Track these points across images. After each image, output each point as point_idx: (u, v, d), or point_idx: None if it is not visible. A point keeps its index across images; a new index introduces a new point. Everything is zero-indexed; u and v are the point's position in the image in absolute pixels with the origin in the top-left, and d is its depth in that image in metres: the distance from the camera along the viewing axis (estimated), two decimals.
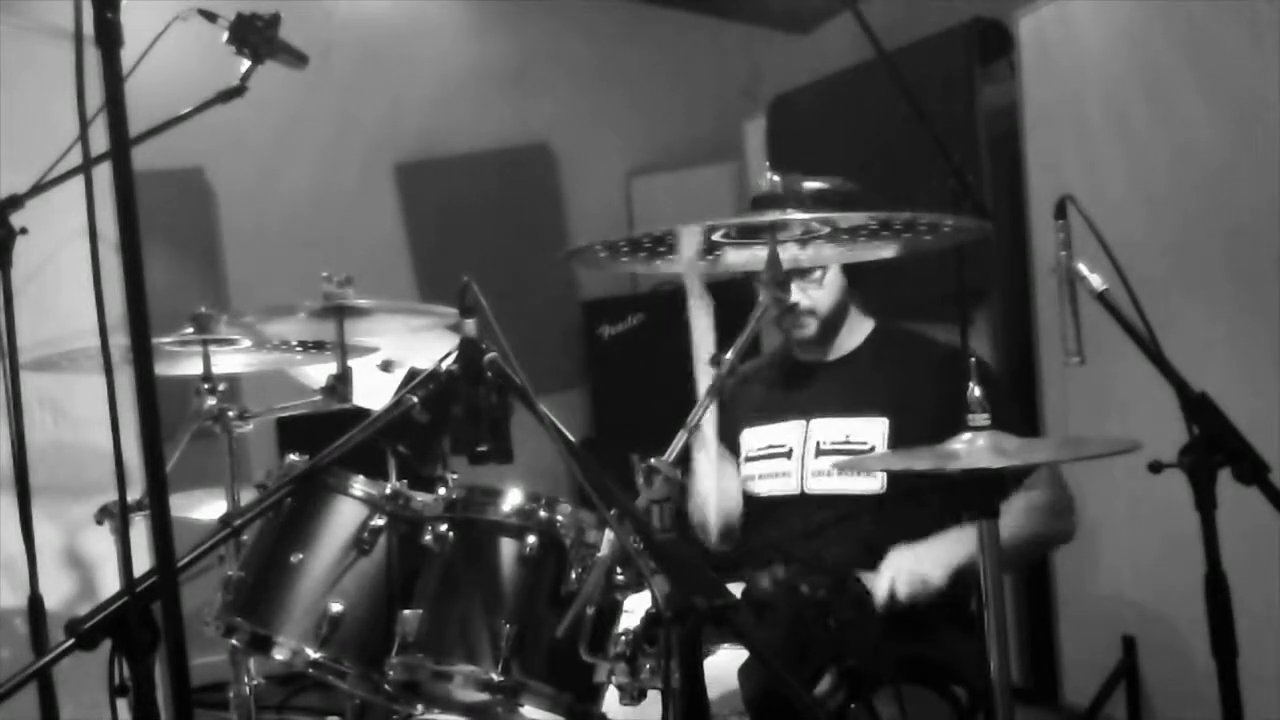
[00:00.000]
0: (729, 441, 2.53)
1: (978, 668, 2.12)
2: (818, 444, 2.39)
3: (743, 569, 2.42)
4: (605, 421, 5.40)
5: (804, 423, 2.42)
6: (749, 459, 2.49)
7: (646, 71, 5.69)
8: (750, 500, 2.48)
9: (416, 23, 5.44)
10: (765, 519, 2.45)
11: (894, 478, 2.30)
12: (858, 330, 2.49)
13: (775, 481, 2.43)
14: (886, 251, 1.88)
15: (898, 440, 2.32)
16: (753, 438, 2.49)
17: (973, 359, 1.81)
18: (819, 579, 1.92)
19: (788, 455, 2.42)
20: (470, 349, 1.79)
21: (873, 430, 2.35)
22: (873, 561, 2.21)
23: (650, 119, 5.70)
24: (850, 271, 2.43)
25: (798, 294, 2.39)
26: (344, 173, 5.25)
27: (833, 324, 2.46)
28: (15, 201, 2.34)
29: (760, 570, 1.99)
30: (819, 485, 2.37)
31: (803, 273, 2.39)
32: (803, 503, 2.39)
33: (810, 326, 2.44)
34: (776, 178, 2.34)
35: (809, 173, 2.40)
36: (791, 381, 2.52)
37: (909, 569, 2.14)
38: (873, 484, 2.32)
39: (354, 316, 2.32)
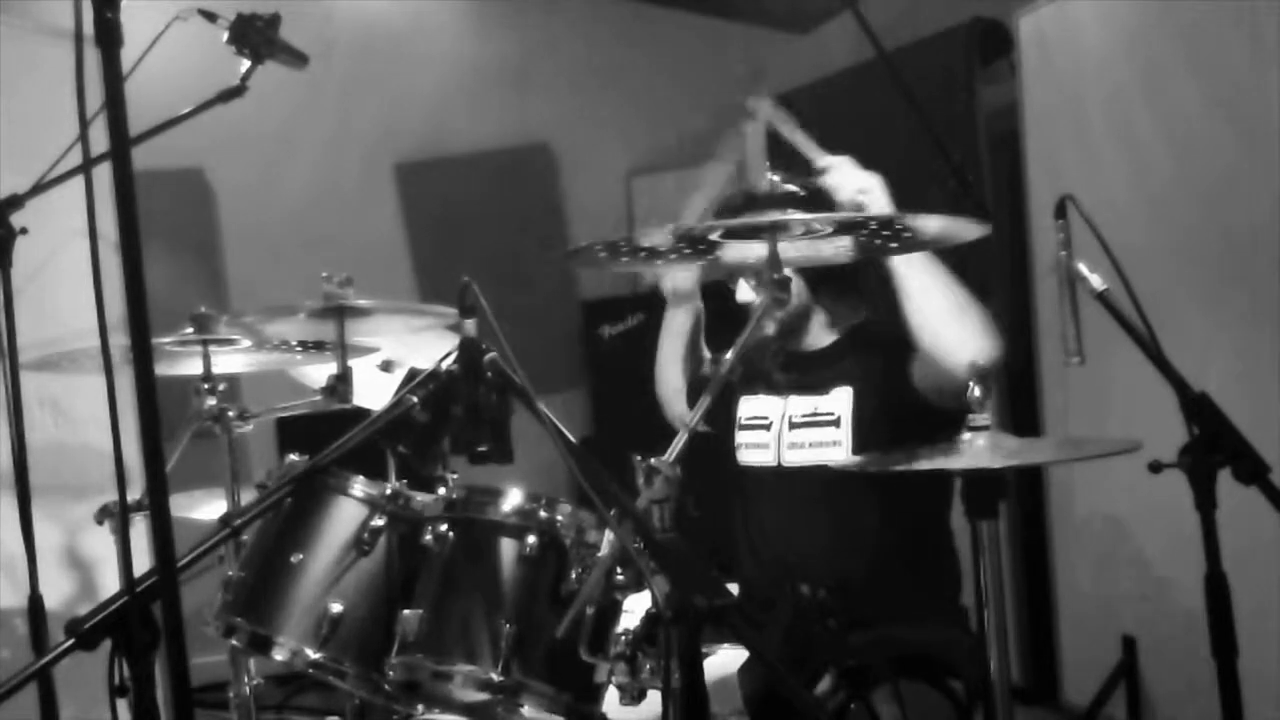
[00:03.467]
0: (727, 416, 2.55)
1: (972, 660, 2.14)
2: (790, 418, 2.42)
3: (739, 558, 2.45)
4: (605, 421, 5.40)
5: (783, 399, 2.46)
6: (740, 427, 2.53)
7: (647, 71, 5.69)
8: (738, 470, 2.52)
9: (416, 23, 5.44)
10: (748, 491, 2.49)
11: (861, 443, 2.31)
12: (831, 329, 2.49)
13: (756, 453, 2.47)
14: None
15: (860, 409, 2.34)
16: (745, 407, 2.54)
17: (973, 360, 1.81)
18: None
19: (767, 428, 2.46)
20: (470, 349, 1.79)
21: (838, 401, 2.37)
22: (844, 531, 2.23)
23: (650, 119, 5.69)
24: (818, 277, 2.42)
25: (750, 293, 2.41)
26: (344, 173, 5.26)
27: (792, 325, 2.45)
28: (15, 201, 2.34)
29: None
30: (793, 457, 2.40)
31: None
32: (778, 475, 2.41)
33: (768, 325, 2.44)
34: (775, 177, 2.35)
35: (807, 172, 2.41)
36: (783, 363, 2.54)
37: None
38: (839, 453, 2.33)
39: (354, 316, 2.32)
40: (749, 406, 2.53)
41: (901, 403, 2.24)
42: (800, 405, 2.42)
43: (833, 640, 2.00)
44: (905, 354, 2.26)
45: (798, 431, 2.40)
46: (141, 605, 1.43)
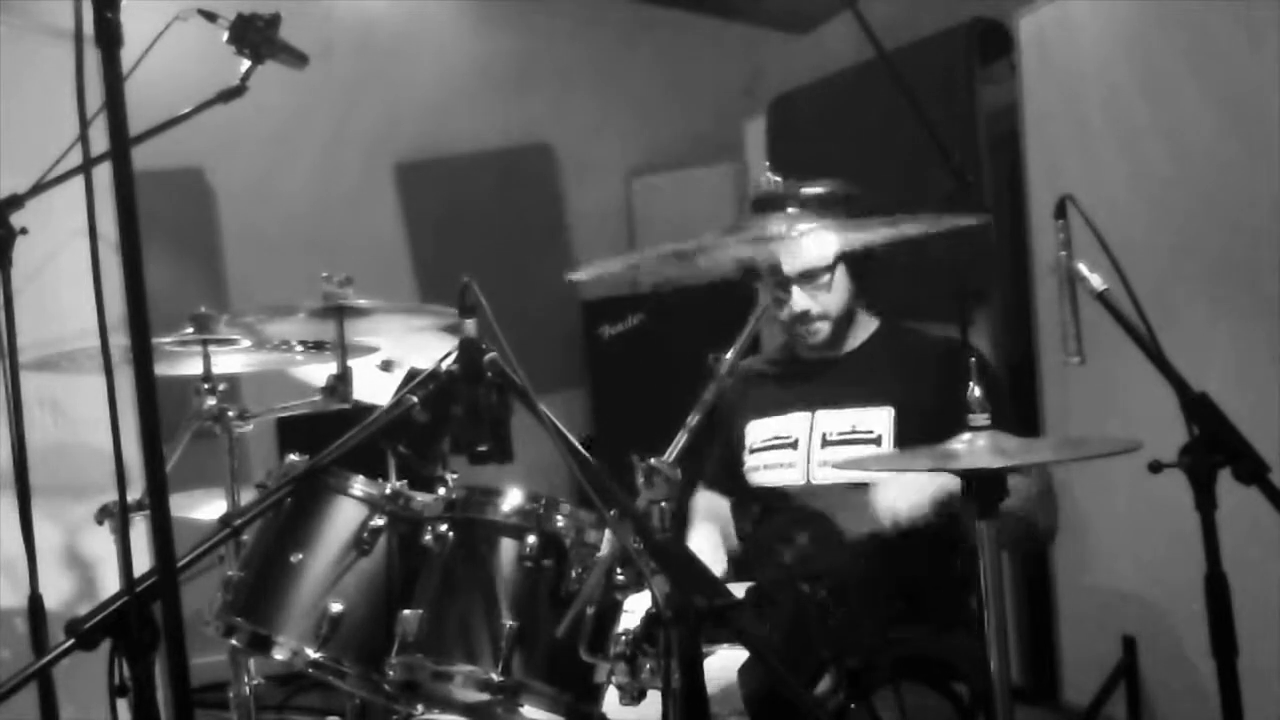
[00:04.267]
0: (732, 437, 2.54)
1: (977, 666, 2.13)
2: (824, 435, 2.40)
3: (750, 564, 2.43)
4: (605, 421, 5.40)
5: (809, 414, 2.43)
6: (753, 450, 2.50)
7: (647, 71, 5.69)
8: (755, 491, 2.49)
9: (416, 23, 5.44)
10: (771, 509, 2.45)
11: (900, 465, 2.30)
12: (864, 328, 2.51)
13: (780, 472, 2.43)
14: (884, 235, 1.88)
15: (902, 430, 2.33)
16: (758, 429, 2.51)
17: (973, 359, 1.81)
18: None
19: (793, 446, 2.43)
20: (470, 349, 1.79)
21: (879, 420, 2.36)
22: (879, 549, 2.22)
23: (650, 119, 5.69)
24: (856, 271, 2.44)
25: (808, 300, 2.41)
26: (344, 173, 5.25)
27: (843, 325, 2.48)
28: (15, 201, 2.34)
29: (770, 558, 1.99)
30: (825, 475, 2.38)
31: (810, 276, 2.40)
32: (805, 492, 2.39)
33: (822, 332, 2.45)
34: (777, 178, 2.35)
35: (808, 174, 2.41)
36: (797, 376, 2.53)
37: (898, 496, 2.16)
38: (880, 474, 2.31)
39: (354, 316, 2.32)
40: (763, 428, 2.49)
41: (945, 424, 2.21)
42: (834, 421, 2.40)
43: (833, 640, 1.99)
44: (948, 374, 2.25)
45: (832, 449, 2.38)
46: (141, 605, 1.43)
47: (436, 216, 5.39)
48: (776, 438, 2.47)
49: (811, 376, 2.50)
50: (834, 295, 2.43)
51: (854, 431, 2.37)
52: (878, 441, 2.35)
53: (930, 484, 2.17)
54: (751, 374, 2.58)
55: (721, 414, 2.58)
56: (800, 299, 2.41)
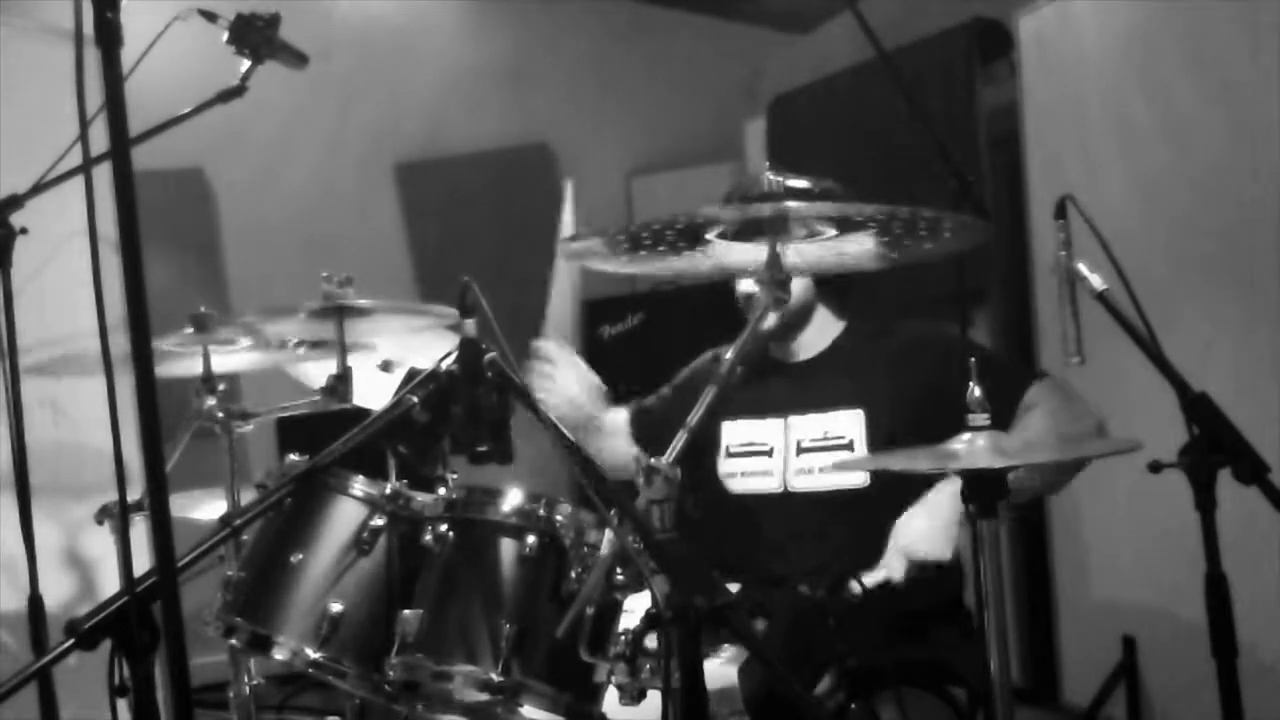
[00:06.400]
0: (704, 435, 2.51)
1: (977, 668, 2.13)
2: (798, 443, 2.38)
3: (737, 576, 2.42)
4: None
5: (782, 420, 2.41)
6: (730, 455, 2.48)
7: (646, 71, 5.69)
8: (733, 499, 2.48)
9: (416, 23, 5.44)
10: (749, 518, 2.44)
11: (878, 471, 2.29)
12: (828, 331, 2.47)
13: (757, 480, 2.42)
14: (871, 259, 1.87)
15: (875, 431, 2.31)
16: (732, 432, 2.48)
17: (973, 360, 1.81)
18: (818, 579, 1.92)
19: (769, 454, 2.41)
20: (470, 349, 1.79)
21: (850, 424, 2.33)
22: (860, 555, 2.21)
23: (650, 119, 5.70)
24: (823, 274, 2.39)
25: (752, 284, 2.32)
26: (344, 173, 5.26)
27: (794, 321, 2.43)
28: (15, 201, 2.34)
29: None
30: (802, 483, 2.36)
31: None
32: (786, 501, 2.38)
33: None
34: (778, 179, 2.34)
35: (806, 173, 2.40)
36: (768, 378, 2.49)
37: (917, 547, 2.09)
38: (857, 479, 2.31)
39: (354, 316, 2.32)
40: (737, 431, 2.47)
41: (918, 420, 2.17)
42: (806, 427, 2.38)
43: (833, 640, 1.99)
44: (914, 369, 2.24)
45: (806, 456, 2.36)
46: (141, 605, 1.43)
47: (436, 216, 5.39)
48: (751, 444, 2.44)
49: (782, 380, 2.46)
50: None
51: (826, 438, 2.35)
52: (850, 447, 2.33)
53: (953, 509, 2.09)
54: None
55: (696, 390, 2.56)
56: (745, 282, 2.38)
